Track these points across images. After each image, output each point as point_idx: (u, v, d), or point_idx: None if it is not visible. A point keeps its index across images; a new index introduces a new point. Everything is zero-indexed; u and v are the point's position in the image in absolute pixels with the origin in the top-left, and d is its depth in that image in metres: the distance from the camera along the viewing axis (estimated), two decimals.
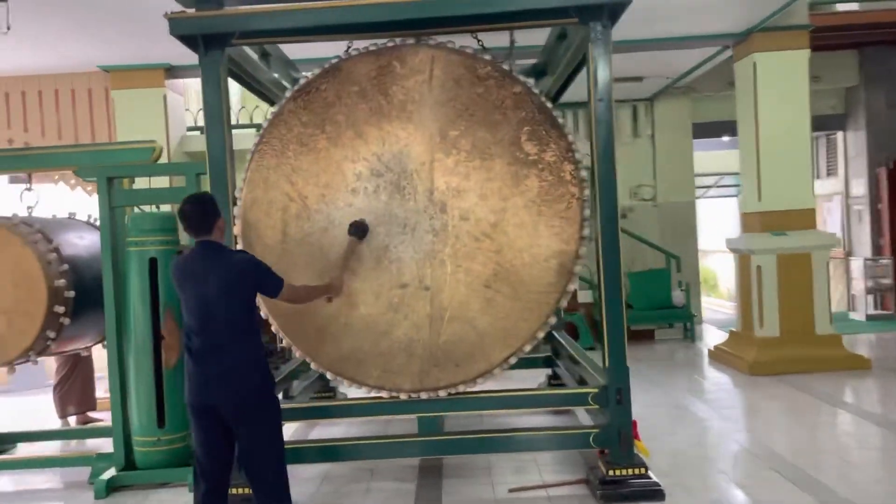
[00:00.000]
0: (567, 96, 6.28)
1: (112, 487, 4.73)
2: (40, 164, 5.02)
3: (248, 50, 5.02)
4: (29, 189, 5.39)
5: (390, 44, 4.06)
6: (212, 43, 4.09)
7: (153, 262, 4.76)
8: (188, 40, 4.05)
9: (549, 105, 4.06)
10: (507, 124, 3.98)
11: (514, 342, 4.00)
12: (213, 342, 3.31)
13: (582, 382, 4.84)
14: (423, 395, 4.06)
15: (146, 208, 5.08)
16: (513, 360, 4.05)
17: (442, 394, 4.06)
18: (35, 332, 4.79)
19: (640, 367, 7.99)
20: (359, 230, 3.90)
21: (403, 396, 4.07)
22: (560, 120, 4.07)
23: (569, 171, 3.99)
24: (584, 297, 9.86)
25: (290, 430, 5.46)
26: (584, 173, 4.06)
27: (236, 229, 4.06)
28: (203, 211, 3.37)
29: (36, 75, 7.56)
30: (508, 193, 3.97)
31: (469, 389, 4.11)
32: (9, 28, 4.91)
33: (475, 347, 3.99)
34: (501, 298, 3.97)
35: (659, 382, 7.18)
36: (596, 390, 4.17)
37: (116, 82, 7.47)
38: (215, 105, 4.13)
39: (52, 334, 4.87)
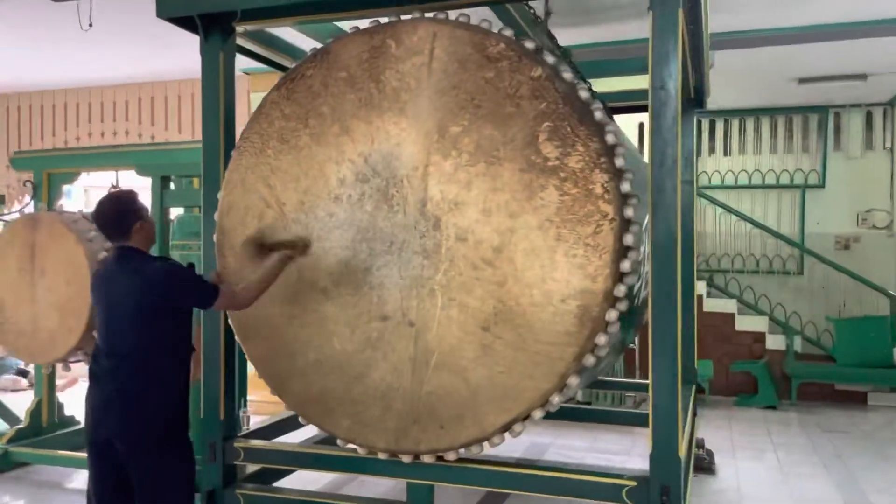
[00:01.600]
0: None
1: None
2: (102, 163, 4.96)
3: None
4: (115, 187, 5.40)
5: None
6: (212, 25, 3.63)
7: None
8: (184, 23, 3.63)
9: (585, 94, 3.04)
10: (522, 118, 3.03)
11: (514, 405, 3.03)
12: (116, 364, 2.84)
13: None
14: (405, 458, 3.24)
15: None
16: (518, 429, 3.09)
17: (427, 458, 3.22)
18: (81, 330, 4.73)
19: (822, 440, 6.30)
20: None
21: (382, 455, 3.28)
22: (598, 114, 3.03)
23: (600, 183, 2.94)
24: (775, 342, 8.14)
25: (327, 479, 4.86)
26: (627, 186, 2.99)
27: (215, 237, 3.55)
28: (118, 212, 2.92)
29: (189, 80, 7.83)
30: (518, 209, 3.02)
31: (466, 456, 3.22)
32: (91, 25, 4.89)
33: (465, 407, 3.09)
34: (502, 346, 3.03)
35: (833, 465, 5.53)
36: (633, 483, 3.04)
37: (255, 85, 7.48)
38: (212, 98, 3.67)
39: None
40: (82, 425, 5.75)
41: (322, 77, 3.33)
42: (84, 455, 5.30)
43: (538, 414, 3.06)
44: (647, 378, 6.80)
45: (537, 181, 3.00)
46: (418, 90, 3.17)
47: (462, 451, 3.19)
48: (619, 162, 3.00)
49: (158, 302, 2.85)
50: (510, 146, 3.03)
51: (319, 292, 3.30)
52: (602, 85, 5.45)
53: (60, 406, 5.78)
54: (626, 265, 2.98)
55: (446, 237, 3.11)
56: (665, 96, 2.99)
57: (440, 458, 3.22)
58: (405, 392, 3.17)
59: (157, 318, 2.86)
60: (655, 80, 3.00)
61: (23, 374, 8.55)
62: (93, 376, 2.90)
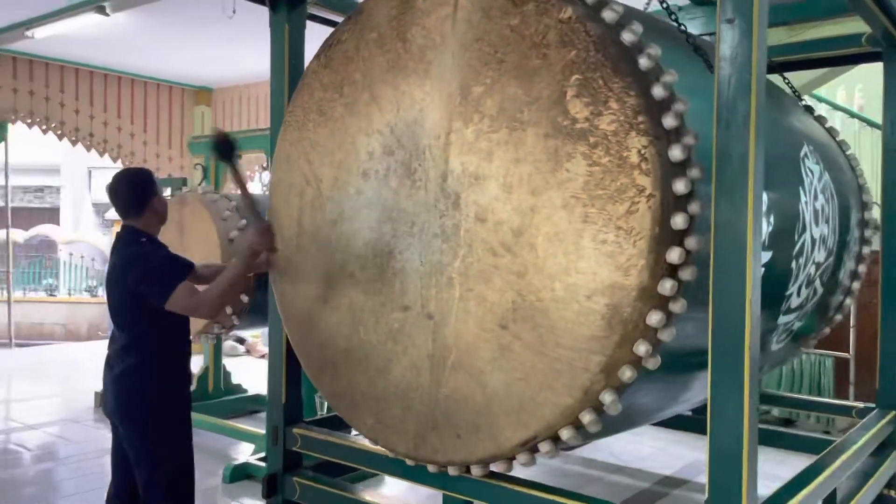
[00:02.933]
0: None
1: (245, 475, 4.61)
2: (251, 146, 5.16)
3: None
4: (264, 168, 5.61)
5: None
6: None
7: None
8: None
9: (631, 37, 2.39)
10: (549, 72, 2.47)
11: (531, 421, 2.51)
12: (116, 347, 2.88)
13: None
14: (431, 468, 2.86)
15: None
16: (545, 449, 2.55)
17: (451, 471, 2.81)
18: None
19: None
20: (221, 147, 2.95)
21: (410, 462, 2.93)
22: (645, 61, 2.37)
23: (636, 150, 2.29)
24: None
25: None
26: (678, 153, 2.31)
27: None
28: (131, 189, 2.90)
29: None
30: (542, 184, 2.47)
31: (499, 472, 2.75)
32: (234, 12, 5.07)
33: (480, 415, 2.63)
34: (520, 348, 2.52)
35: None
36: None
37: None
38: (279, 75, 3.54)
39: (228, 310, 4.96)
40: (249, 393, 6.11)
41: (355, 41, 3.04)
42: (240, 425, 5.58)
43: (567, 434, 2.49)
44: (862, 398, 5.57)
45: (563, 148, 2.43)
46: (443, 46, 2.74)
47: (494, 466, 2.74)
48: (669, 122, 2.32)
49: (129, 286, 2.79)
50: (535, 106, 2.50)
51: (348, 276, 3.03)
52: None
53: (228, 374, 6.17)
54: (674, 255, 2.31)
55: (465, 217, 2.66)
56: (734, 35, 2.25)
57: (468, 471, 2.80)
58: (423, 392, 2.79)
59: (132, 300, 2.79)
60: (724, 10, 2.28)
61: (240, 340, 9.36)
62: (106, 357, 2.94)
